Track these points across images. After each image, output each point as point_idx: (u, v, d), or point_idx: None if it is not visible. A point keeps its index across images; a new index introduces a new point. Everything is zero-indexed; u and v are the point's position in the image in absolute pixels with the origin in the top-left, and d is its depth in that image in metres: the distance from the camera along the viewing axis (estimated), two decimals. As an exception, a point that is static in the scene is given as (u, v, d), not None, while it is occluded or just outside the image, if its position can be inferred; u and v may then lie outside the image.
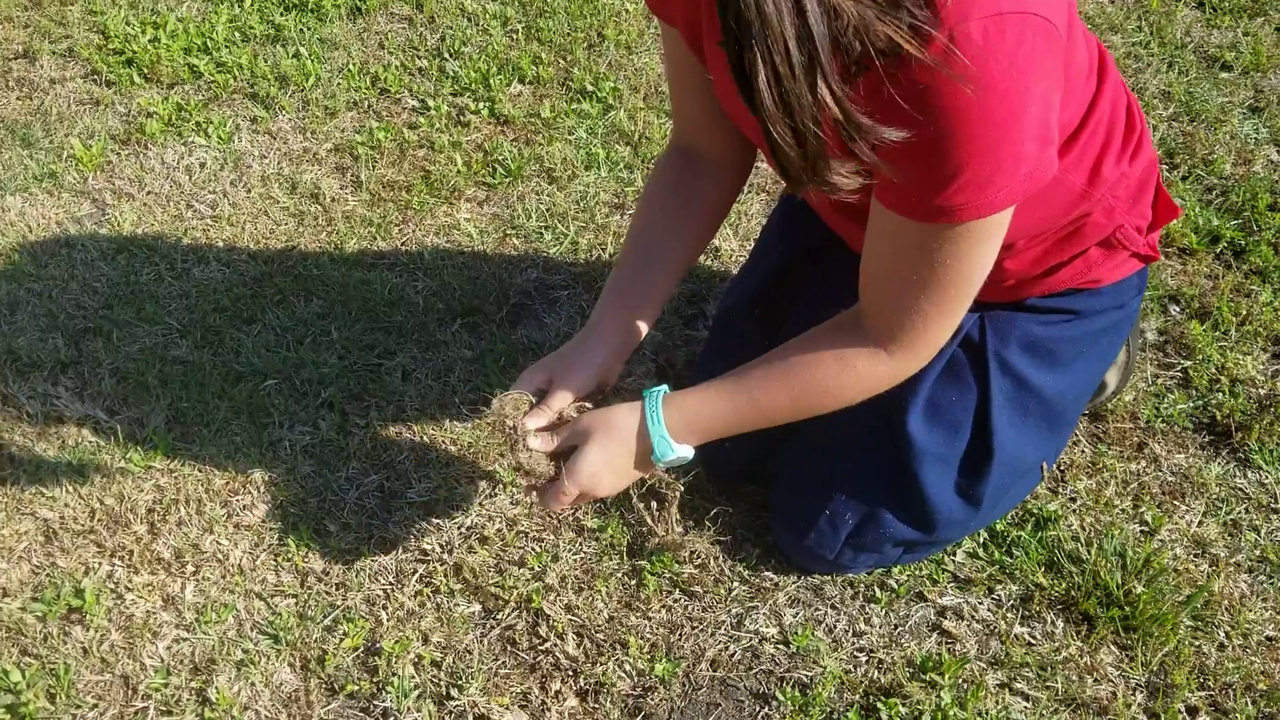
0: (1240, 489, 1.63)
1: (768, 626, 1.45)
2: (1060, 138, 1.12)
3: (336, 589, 1.49)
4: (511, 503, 1.59)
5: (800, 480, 1.46)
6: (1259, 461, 1.65)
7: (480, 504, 1.59)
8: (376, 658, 1.42)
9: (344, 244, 1.98)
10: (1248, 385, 1.77)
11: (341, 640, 1.43)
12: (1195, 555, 1.55)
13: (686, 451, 1.27)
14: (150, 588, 1.49)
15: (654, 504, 1.53)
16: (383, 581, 1.50)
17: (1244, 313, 1.85)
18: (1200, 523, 1.58)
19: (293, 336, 1.82)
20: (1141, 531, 1.57)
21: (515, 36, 2.48)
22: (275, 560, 1.52)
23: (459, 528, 1.56)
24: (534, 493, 1.32)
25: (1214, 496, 1.62)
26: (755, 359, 1.27)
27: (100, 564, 1.52)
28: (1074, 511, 1.59)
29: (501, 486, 1.61)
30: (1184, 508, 1.60)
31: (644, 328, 1.39)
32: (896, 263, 1.09)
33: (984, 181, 0.96)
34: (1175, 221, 1.98)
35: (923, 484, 1.38)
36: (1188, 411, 1.72)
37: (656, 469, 1.30)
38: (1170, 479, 1.64)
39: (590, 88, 2.34)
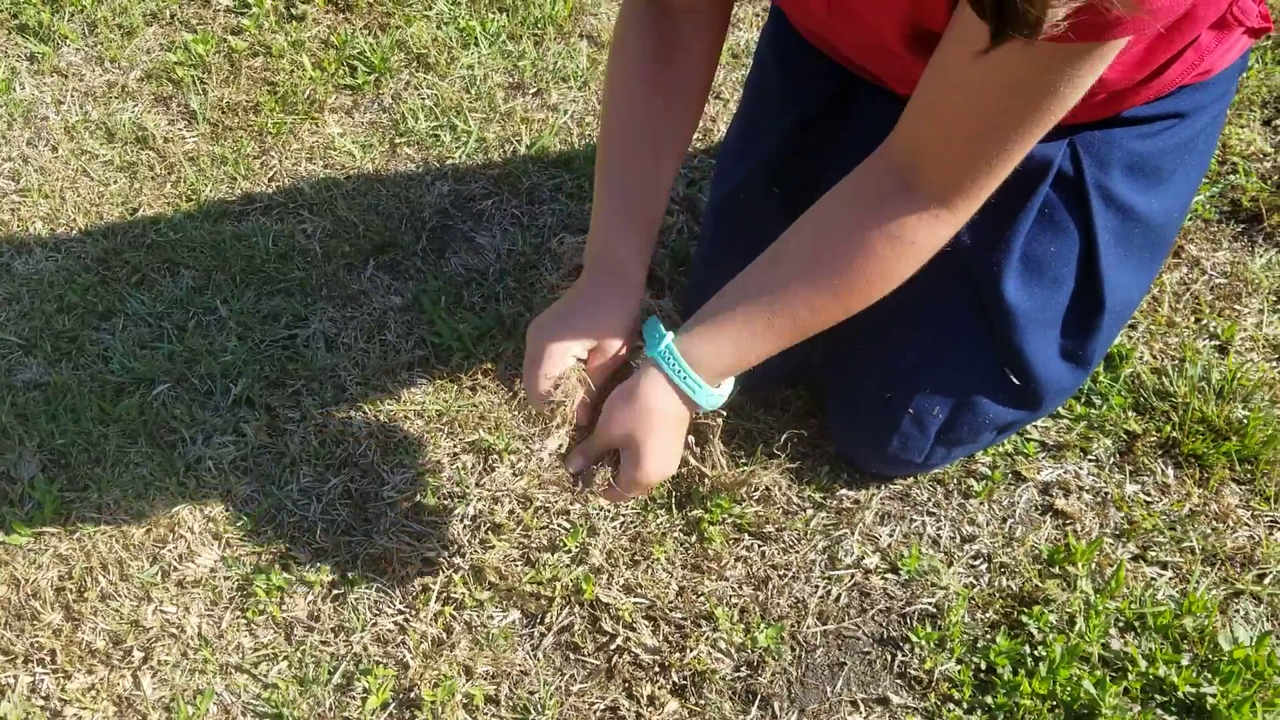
0: (1290, 276, 1.48)
1: (867, 555, 1.22)
2: None
3: (335, 635, 1.18)
4: (515, 473, 1.30)
5: (869, 379, 1.21)
6: (1300, 243, 1.50)
7: (478, 484, 1.28)
8: (415, 710, 1.12)
9: (198, 193, 1.58)
10: (1257, 160, 1.60)
11: (364, 699, 1.13)
12: (1275, 360, 1.39)
13: (728, 388, 1.06)
14: (93, 692, 1.14)
15: (692, 439, 1.25)
16: (390, 611, 1.20)
17: (1238, 81, 1.68)
18: (1267, 323, 1.42)
19: (171, 323, 1.43)
20: (1215, 347, 1.40)
21: (324, -98, 2.04)
22: (245, 618, 1.19)
23: (462, 520, 1.26)
24: (589, 491, 1.08)
25: (1269, 290, 1.46)
26: (764, 255, 1.02)
27: (17, 677, 1.16)
28: (1140, 340, 1.40)
29: (498, 455, 1.31)
30: (1244, 309, 1.44)
31: (654, 238, 1.13)
32: (993, 93, 0.85)
33: None
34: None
35: (1026, 356, 1.15)
36: (1209, 201, 1.55)
37: (700, 415, 1.08)
38: (1220, 281, 1.47)
39: (435, -51, 1.94)
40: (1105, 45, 0.79)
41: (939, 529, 1.24)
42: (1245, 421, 1.30)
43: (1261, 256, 1.49)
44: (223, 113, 1.69)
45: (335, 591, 1.21)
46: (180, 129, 1.67)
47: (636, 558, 1.22)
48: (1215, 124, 1.15)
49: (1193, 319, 1.43)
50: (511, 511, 1.26)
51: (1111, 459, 1.30)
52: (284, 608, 1.19)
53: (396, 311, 1.45)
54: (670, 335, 1.03)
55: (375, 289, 1.48)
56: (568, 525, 1.25)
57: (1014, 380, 1.17)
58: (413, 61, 1.77)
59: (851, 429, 1.25)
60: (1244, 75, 1.70)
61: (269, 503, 1.27)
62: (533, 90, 1.72)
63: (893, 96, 1.16)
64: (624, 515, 1.25)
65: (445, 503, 1.27)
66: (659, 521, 1.25)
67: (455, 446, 1.32)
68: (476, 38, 1.79)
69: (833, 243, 0.97)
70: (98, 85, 1.73)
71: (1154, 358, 1.38)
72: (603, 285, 1.08)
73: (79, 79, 1.74)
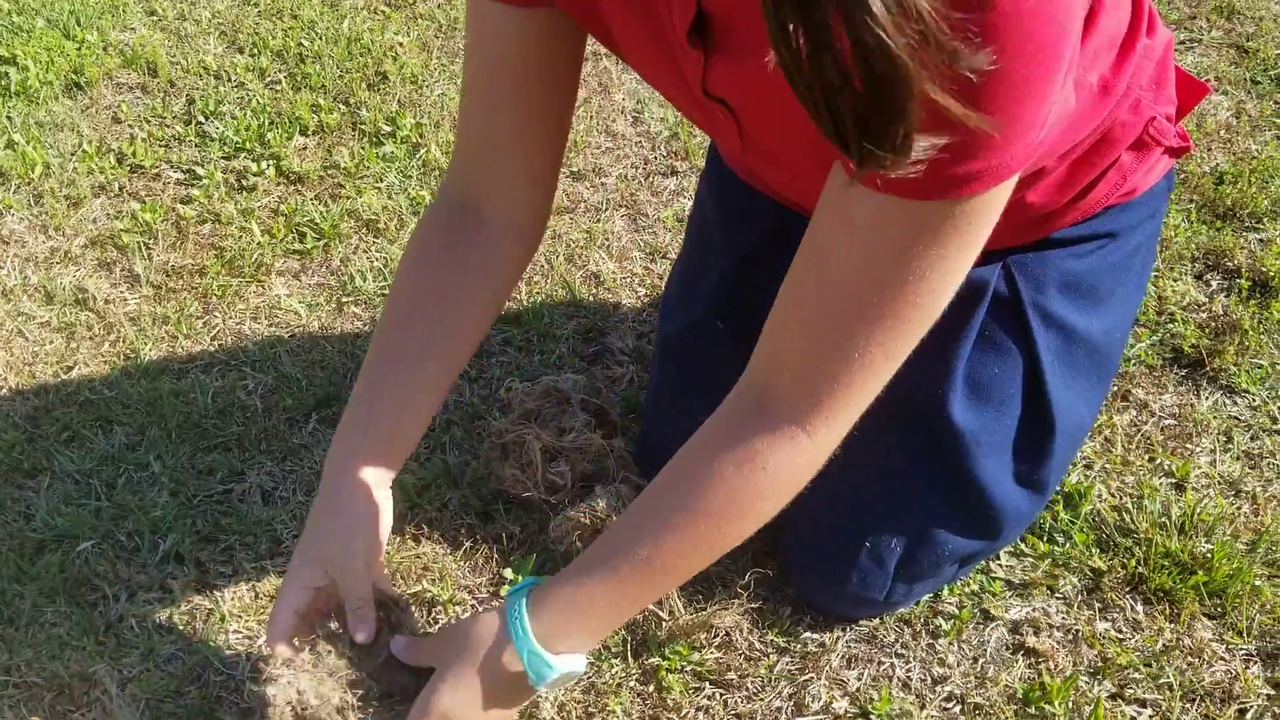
0: (1237, 417, 1.48)
1: (835, 700, 1.15)
2: None
3: (261, 802, 1.08)
4: (460, 625, 1.22)
5: (823, 515, 1.18)
6: (1243, 384, 1.52)
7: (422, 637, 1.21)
8: None
9: (137, 352, 1.55)
10: (1193, 311, 1.64)
11: None
12: (1231, 496, 1.38)
13: (575, 665, 0.96)
14: None
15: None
16: (323, 774, 1.10)
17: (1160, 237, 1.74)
18: (1219, 461, 1.42)
19: (100, 480, 1.37)
20: (1172, 484, 1.39)
21: (279, 88, 2.10)
22: (162, 785, 1.09)
23: (424, 627, 1.17)
24: None
25: (1218, 431, 1.46)
26: (637, 501, 0.96)
27: None
28: (1098, 478, 1.39)
29: (442, 607, 1.24)
30: (1196, 448, 1.44)
31: (407, 451, 1.08)
32: (851, 281, 0.79)
33: (1015, 135, 0.69)
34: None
35: (981, 482, 1.13)
36: (1152, 348, 1.57)
37: (540, 691, 0.99)
38: (1169, 422, 1.47)
39: (386, 128, 2.00)
40: (962, 216, 0.74)
41: (909, 670, 1.18)
42: (1210, 555, 1.28)
43: (1207, 399, 1.50)
44: (167, 275, 1.67)
45: (263, 755, 1.11)
46: (122, 291, 1.65)
47: (590, 710, 1.14)
48: (1149, 244, 1.18)
49: (1146, 458, 1.42)
50: (456, 664, 1.18)
51: (1079, 596, 1.26)
52: (205, 773, 1.09)
53: (338, 464, 1.40)
54: (531, 582, 0.98)
55: (317, 443, 1.43)
56: (517, 677, 1.17)
57: (970, 505, 1.14)
58: (363, 228, 1.78)
59: (809, 568, 1.21)
60: (1172, 233, 1.76)
61: (194, 661, 1.18)
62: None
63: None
64: (576, 665, 1.18)
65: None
66: (614, 671, 1.18)
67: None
68: (426, 205, 1.82)
69: (685, 473, 0.91)
70: (39, 251, 1.72)
71: (1112, 495, 1.36)
72: (329, 507, 1.03)
73: (20, 245, 1.73)
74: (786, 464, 0.87)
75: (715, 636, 1.20)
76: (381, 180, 1.88)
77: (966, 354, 1.12)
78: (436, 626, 1.21)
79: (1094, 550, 1.30)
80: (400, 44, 2.25)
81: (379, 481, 1.04)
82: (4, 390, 1.49)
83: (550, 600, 0.94)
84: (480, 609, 1.24)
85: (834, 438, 0.87)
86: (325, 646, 1.03)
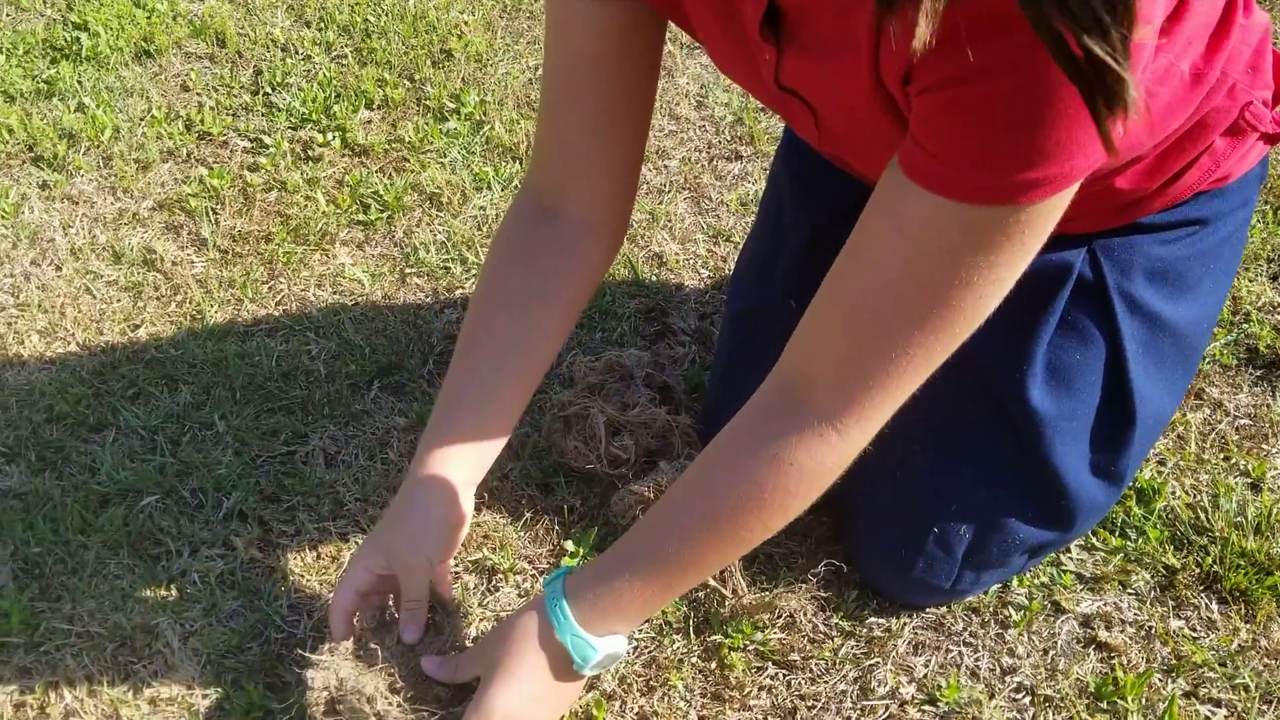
0: (1315, 420, 1.45)
1: (902, 685, 1.13)
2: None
3: (320, 760, 1.07)
4: (520, 594, 1.22)
5: (890, 500, 1.16)
6: (1321, 388, 1.48)
7: (481, 604, 1.20)
8: (406, 845, 1.00)
9: (204, 314, 1.55)
10: (1269, 312, 1.60)
11: (349, 831, 1.01)
12: (1309, 500, 1.34)
13: (618, 646, 0.98)
14: (43, 819, 1.03)
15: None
16: (382, 735, 1.09)
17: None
18: (1297, 464, 1.38)
19: (164, 437, 1.37)
20: (1248, 484, 1.35)
21: (345, 63, 2.11)
22: (222, 738, 1.09)
23: (464, 641, 1.16)
24: None
25: (1295, 433, 1.43)
26: (667, 494, 0.97)
27: (-43, 801, 1.04)
28: (1171, 475, 1.35)
29: (502, 575, 1.23)
30: (1272, 449, 1.40)
31: (492, 453, 1.07)
32: (897, 282, 0.78)
33: (1079, 143, 0.68)
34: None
35: (1057, 469, 1.10)
36: (1226, 348, 1.54)
37: (586, 674, 1.00)
38: (1245, 422, 1.44)
39: (450, 105, 1.99)
40: (1017, 224, 0.73)
41: (977, 659, 1.16)
42: (1289, 557, 1.25)
43: (1284, 400, 1.47)
44: (234, 240, 1.68)
45: (323, 713, 1.10)
46: (190, 254, 1.66)
47: (652, 684, 1.13)
48: (1240, 232, 1.14)
49: (1221, 457, 1.39)
50: (517, 633, 1.17)
51: (1152, 592, 1.23)
52: (265, 730, 1.09)
53: (400, 431, 1.40)
54: (565, 570, 0.99)
55: (379, 409, 1.43)
56: (578, 648, 1.16)
57: (1044, 494, 1.11)
58: (426, 201, 1.78)
59: (875, 552, 1.18)
60: (1250, 228, 1.72)
61: (255, 618, 1.18)
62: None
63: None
64: (639, 637, 1.17)
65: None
66: (675, 646, 1.16)
67: (457, 565, 1.24)
68: (489, 182, 1.81)
69: (717, 467, 0.92)
70: (108, 212, 1.73)
71: (1186, 493, 1.33)
72: (407, 499, 1.04)
73: (89, 205, 1.74)
74: (816, 462, 0.86)
75: (779, 618, 1.18)
76: (445, 155, 1.87)
77: (1048, 338, 1.09)
78: (476, 611, 1.20)
79: (1168, 547, 1.27)
80: (465, 23, 2.24)
81: (462, 483, 1.04)
82: (72, 346, 1.50)
83: (585, 591, 0.96)
84: (540, 578, 1.23)
85: (865, 437, 0.87)
86: (372, 639, 1.04)
